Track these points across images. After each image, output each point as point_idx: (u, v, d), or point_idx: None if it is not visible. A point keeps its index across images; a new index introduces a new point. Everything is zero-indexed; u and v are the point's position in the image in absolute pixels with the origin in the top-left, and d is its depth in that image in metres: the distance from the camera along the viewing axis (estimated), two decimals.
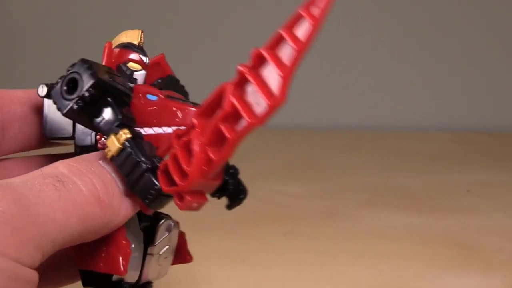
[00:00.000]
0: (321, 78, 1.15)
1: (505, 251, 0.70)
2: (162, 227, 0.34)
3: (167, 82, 0.36)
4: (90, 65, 0.31)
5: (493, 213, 0.79)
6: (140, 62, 0.34)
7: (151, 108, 0.32)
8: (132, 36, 0.35)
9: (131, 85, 0.33)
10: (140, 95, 0.32)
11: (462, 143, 1.07)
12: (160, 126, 0.32)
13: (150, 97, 0.32)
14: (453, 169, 0.94)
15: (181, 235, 0.36)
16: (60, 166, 0.29)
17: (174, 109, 0.31)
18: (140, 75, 0.34)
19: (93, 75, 0.30)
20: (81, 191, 0.28)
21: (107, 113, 0.31)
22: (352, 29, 1.17)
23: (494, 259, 0.68)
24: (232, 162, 0.35)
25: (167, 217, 0.34)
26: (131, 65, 0.34)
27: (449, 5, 1.15)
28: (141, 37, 0.35)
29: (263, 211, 0.75)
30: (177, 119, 0.31)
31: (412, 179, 0.88)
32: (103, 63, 0.34)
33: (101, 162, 0.31)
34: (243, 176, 0.35)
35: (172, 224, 0.35)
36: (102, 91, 0.31)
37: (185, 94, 0.36)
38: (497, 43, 1.15)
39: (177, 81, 0.37)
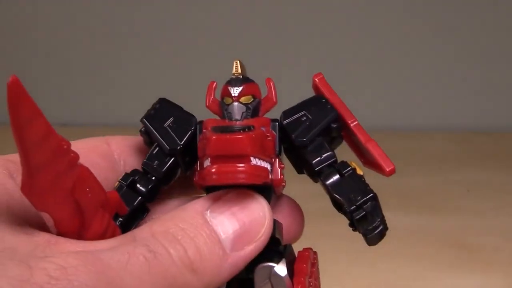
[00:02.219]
0: None
1: (505, 251, 0.70)
2: (259, 273, 0.31)
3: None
4: (152, 107, 0.34)
5: (493, 213, 0.79)
6: (229, 95, 0.33)
7: (199, 143, 0.32)
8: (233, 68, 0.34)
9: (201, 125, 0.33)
10: (204, 130, 0.32)
11: (462, 143, 1.07)
12: (202, 160, 0.31)
13: (205, 131, 0.32)
14: (453, 169, 0.94)
15: (300, 283, 0.32)
16: (154, 227, 0.28)
17: (204, 140, 0.30)
18: (231, 108, 0.33)
19: (145, 115, 0.34)
20: (173, 262, 0.27)
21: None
22: (353, 30, 1.17)
23: (494, 259, 0.68)
24: None
25: (274, 263, 0.32)
26: (225, 99, 0.33)
27: (450, 6, 1.15)
28: (235, 68, 0.34)
29: None
30: (206, 151, 0.30)
31: (412, 179, 0.88)
32: (207, 103, 0.34)
33: (207, 213, 0.30)
34: None
35: (276, 271, 0.32)
36: (146, 132, 0.34)
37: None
38: (497, 43, 1.15)
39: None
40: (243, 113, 0.33)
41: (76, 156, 0.26)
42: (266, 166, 0.30)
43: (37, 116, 0.24)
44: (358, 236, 0.32)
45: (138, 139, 0.36)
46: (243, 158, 0.29)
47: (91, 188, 0.28)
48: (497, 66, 1.16)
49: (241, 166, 0.29)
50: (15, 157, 0.32)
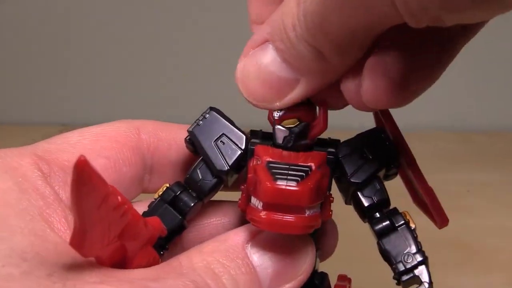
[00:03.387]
0: None
1: (505, 251, 0.70)
2: None
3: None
4: (202, 117, 0.33)
5: (493, 213, 0.79)
6: (272, 116, 0.31)
7: (251, 175, 0.30)
8: None
9: (252, 147, 0.31)
10: (254, 157, 0.30)
11: (462, 143, 1.07)
12: (252, 195, 0.29)
13: (259, 162, 0.30)
14: (453, 169, 0.94)
15: None
16: (195, 260, 0.28)
17: (257, 179, 0.28)
18: (276, 130, 0.31)
19: (193, 126, 0.33)
20: None
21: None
22: None
23: (494, 259, 0.68)
24: None
25: None
26: (271, 119, 0.31)
27: None
28: None
29: None
30: (258, 192, 0.28)
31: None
32: (268, 117, 0.32)
33: (248, 247, 0.29)
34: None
35: None
36: (192, 143, 0.33)
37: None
38: (497, 43, 1.15)
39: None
40: (285, 137, 0.31)
41: (129, 207, 0.25)
42: (318, 211, 0.29)
43: (97, 189, 0.23)
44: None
45: (170, 128, 0.35)
46: (298, 209, 0.28)
47: (138, 233, 0.27)
48: (497, 66, 1.16)
49: (293, 218, 0.28)
50: (45, 150, 0.31)
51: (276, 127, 0.31)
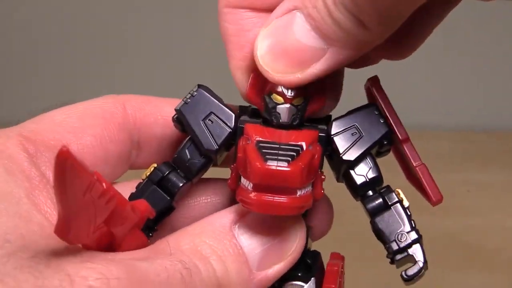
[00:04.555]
0: None
1: (505, 250, 0.70)
2: None
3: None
4: (190, 95, 0.31)
5: (493, 213, 0.79)
6: (281, 94, 0.30)
7: (240, 155, 0.29)
8: None
9: (241, 125, 0.30)
10: (244, 136, 0.30)
11: (462, 143, 1.07)
12: (242, 175, 0.28)
13: (249, 142, 0.29)
14: (453, 169, 0.94)
15: None
16: (183, 243, 0.28)
17: (247, 160, 0.28)
18: (282, 109, 0.30)
19: (180, 104, 0.31)
20: (203, 281, 0.27)
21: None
22: None
23: (495, 258, 0.68)
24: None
25: (303, 282, 0.31)
26: (275, 97, 0.30)
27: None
28: None
29: None
30: (248, 173, 0.28)
31: None
32: (246, 92, 0.31)
33: (235, 228, 0.29)
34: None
35: (303, 287, 0.31)
36: (180, 121, 0.31)
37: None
38: (497, 43, 1.15)
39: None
40: (293, 115, 0.30)
41: (114, 195, 0.25)
42: (309, 191, 0.29)
43: (81, 178, 0.23)
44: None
45: (155, 102, 0.34)
46: (289, 190, 0.28)
47: (125, 218, 0.26)
48: (497, 66, 1.16)
49: (284, 199, 0.27)
50: (31, 131, 0.31)
51: (286, 106, 0.30)
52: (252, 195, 0.27)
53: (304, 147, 0.28)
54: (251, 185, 0.28)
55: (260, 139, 0.29)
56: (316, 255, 0.32)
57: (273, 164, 0.27)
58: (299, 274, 0.31)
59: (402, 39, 0.32)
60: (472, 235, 0.72)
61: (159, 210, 0.31)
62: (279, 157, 0.27)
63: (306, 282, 0.31)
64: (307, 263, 0.31)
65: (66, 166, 0.22)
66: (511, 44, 1.16)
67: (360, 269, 0.61)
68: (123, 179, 0.36)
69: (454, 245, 0.70)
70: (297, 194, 0.28)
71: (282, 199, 0.27)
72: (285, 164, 0.27)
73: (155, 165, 0.32)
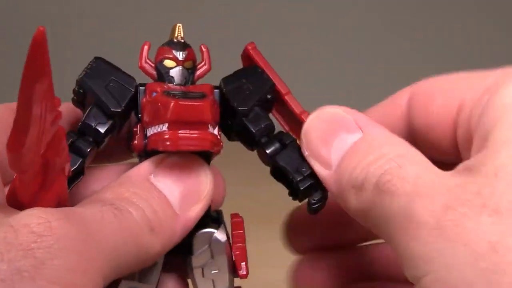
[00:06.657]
0: (318, 78, 1.15)
1: None
2: (198, 239, 0.32)
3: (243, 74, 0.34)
4: (89, 66, 0.33)
5: None
6: (174, 58, 0.33)
7: (148, 106, 0.31)
8: (171, 32, 0.34)
9: (142, 87, 0.32)
10: (147, 93, 0.32)
11: None
12: (152, 125, 0.30)
13: (154, 94, 0.31)
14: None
15: (239, 249, 0.34)
16: (107, 195, 0.28)
17: (159, 104, 0.30)
18: (175, 71, 0.33)
19: (81, 75, 0.32)
20: (135, 221, 0.27)
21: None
22: (348, 26, 1.17)
23: None
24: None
25: (213, 229, 0.33)
26: (166, 62, 0.33)
27: (450, 5, 1.15)
28: (178, 31, 0.34)
29: (261, 213, 0.75)
30: (161, 116, 0.30)
31: None
32: (140, 64, 0.33)
33: (152, 178, 0.30)
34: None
35: (217, 236, 0.32)
36: (82, 93, 0.32)
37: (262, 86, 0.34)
38: (497, 42, 1.15)
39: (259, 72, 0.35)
40: (185, 78, 0.33)
41: (60, 114, 0.25)
42: (217, 133, 0.31)
43: (47, 73, 0.23)
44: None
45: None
46: (201, 125, 0.30)
47: (63, 149, 0.26)
48: (497, 65, 1.16)
49: (200, 133, 0.29)
50: None
51: (178, 68, 0.33)
52: (169, 133, 0.29)
53: (207, 93, 0.31)
54: (166, 125, 0.29)
55: (166, 89, 0.31)
56: (219, 212, 0.34)
57: (188, 100, 0.30)
58: (207, 222, 0.32)
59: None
60: None
61: (74, 170, 0.31)
62: (189, 98, 0.30)
63: (217, 229, 0.32)
64: (213, 216, 0.33)
65: (40, 50, 0.22)
66: (511, 43, 1.16)
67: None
68: None
69: None
70: (208, 130, 0.30)
71: (196, 133, 0.29)
72: (197, 100, 0.30)
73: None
